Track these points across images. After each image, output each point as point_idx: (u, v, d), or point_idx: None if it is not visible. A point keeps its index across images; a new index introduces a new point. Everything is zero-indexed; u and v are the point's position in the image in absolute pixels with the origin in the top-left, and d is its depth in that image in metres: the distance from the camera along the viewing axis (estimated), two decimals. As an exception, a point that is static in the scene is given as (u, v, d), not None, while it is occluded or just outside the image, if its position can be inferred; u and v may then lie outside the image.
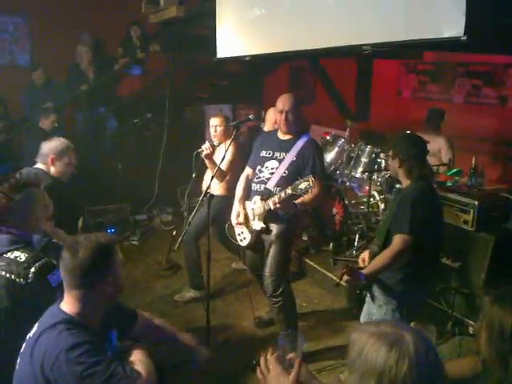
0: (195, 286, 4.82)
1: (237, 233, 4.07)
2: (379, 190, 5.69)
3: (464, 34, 2.73)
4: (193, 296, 4.81)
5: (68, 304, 2.07)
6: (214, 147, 4.37)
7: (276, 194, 3.59)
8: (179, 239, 3.77)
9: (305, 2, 4.09)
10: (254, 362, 3.71)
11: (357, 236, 5.78)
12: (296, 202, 3.58)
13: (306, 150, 3.70)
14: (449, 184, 4.51)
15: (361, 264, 3.25)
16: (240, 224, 3.94)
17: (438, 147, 5.49)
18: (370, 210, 5.56)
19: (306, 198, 3.56)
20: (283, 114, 3.70)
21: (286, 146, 3.77)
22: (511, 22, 3.06)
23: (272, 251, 3.79)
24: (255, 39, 4.86)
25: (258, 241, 3.91)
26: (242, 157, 4.60)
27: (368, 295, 3.27)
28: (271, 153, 3.82)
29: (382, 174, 5.55)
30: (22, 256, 2.48)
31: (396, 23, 3.30)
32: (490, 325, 1.73)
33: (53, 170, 3.94)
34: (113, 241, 2.17)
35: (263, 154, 3.87)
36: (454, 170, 4.64)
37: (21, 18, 7.89)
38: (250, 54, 4.97)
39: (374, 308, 3.19)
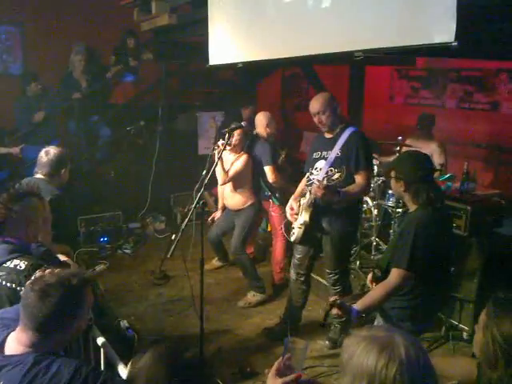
0: (261, 290, 4.96)
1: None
2: (372, 196, 5.69)
3: (455, 40, 2.74)
4: (259, 300, 4.92)
5: (21, 345, 1.83)
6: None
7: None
8: (172, 247, 3.73)
9: (297, 8, 4.09)
10: (248, 370, 3.72)
11: (350, 242, 5.78)
12: (340, 190, 3.60)
13: (349, 144, 3.75)
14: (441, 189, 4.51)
15: (369, 284, 3.10)
16: (294, 215, 3.92)
17: (430, 152, 5.48)
18: (363, 215, 5.57)
19: (350, 187, 3.65)
20: (316, 117, 3.82)
21: (330, 144, 3.83)
22: (502, 27, 3.08)
23: (329, 250, 3.89)
24: (248, 46, 4.86)
25: (308, 238, 3.88)
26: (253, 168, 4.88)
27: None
28: (319, 153, 3.91)
29: (375, 179, 5.56)
30: (21, 264, 2.47)
31: (387, 29, 3.30)
32: (486, 327, 1.73)
33: (57, 180, 3.82)
34: (85, 281, 1.94)
35: (314, 156, 3.95)
36: (447, 176, 4.65)
37: (13, 26, 7.84)
38: (242, 60, 4.96)
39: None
